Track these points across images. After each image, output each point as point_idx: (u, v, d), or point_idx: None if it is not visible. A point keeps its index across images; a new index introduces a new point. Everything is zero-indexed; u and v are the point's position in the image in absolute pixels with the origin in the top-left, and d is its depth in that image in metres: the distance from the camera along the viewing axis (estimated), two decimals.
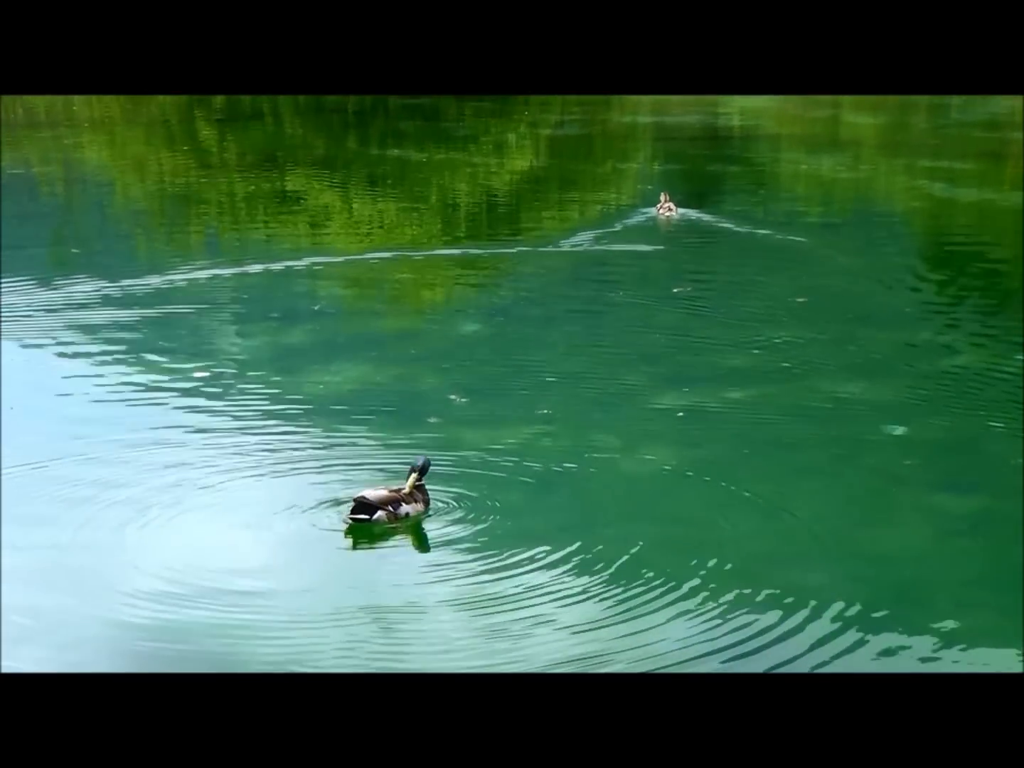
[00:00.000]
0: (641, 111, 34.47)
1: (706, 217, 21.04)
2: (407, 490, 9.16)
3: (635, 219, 20.93)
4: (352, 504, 9.10)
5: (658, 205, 20.51)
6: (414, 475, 9.21)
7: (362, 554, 9.03)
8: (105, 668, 7.30)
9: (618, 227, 20.26)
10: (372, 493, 9.09)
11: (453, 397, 12.00)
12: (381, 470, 10.09)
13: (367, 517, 9.03)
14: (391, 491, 9.16)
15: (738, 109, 36.36)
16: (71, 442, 10.87)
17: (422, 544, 9.16)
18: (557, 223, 20.87)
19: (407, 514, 9.16)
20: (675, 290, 16.24)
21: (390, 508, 9.08)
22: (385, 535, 9.16)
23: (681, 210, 20.58)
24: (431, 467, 9.43)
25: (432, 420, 11.40)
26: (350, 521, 9.10)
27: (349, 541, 9.11)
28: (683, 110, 35.02)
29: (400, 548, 9.15)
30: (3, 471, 10.03)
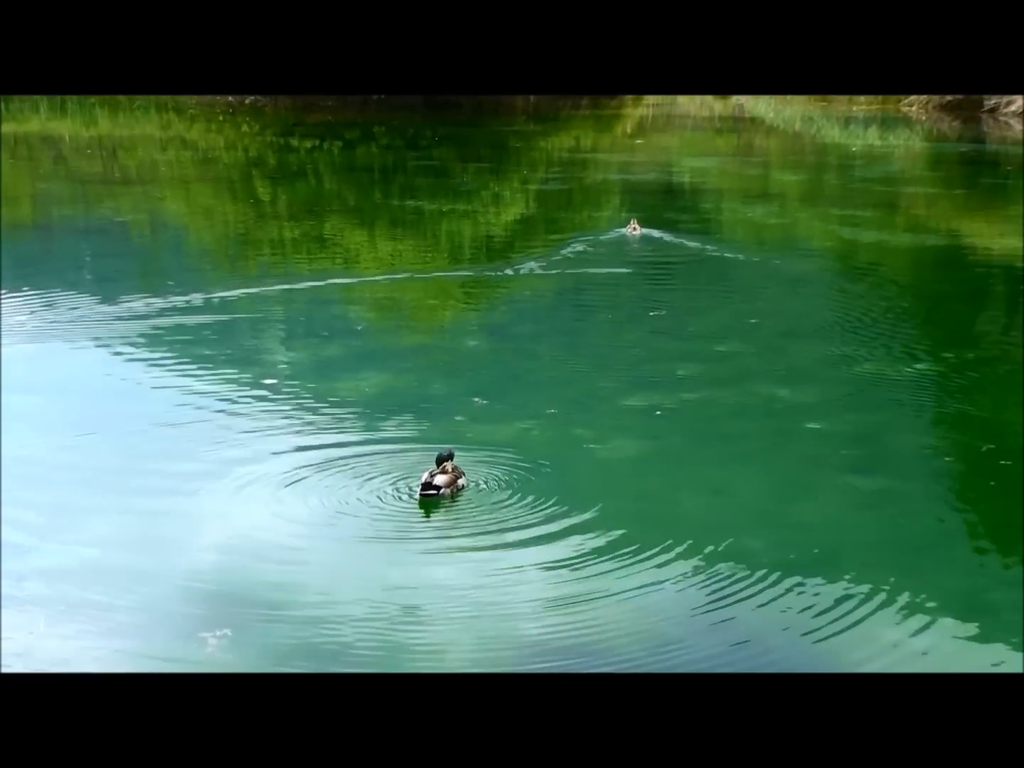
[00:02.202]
0: (611, 170, 34.48)
1: (658, 234, 21.66)
2: (451, 469, 9.40)
3: (608, 237, 21.49)
4: (421, 484, 9.27)
5: (627, 226, 21.77)
6: (446, 463, 9.37)
7: (377, 541, 8.76)
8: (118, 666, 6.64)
9: (593, 246, 20.67)
10: (437, 476, 9.28)
11: (476, 399, 11.96)
12: (420, 454, 10.08)
13: (435, 492, 9.22)
14: (446, 473, 9.32)
15: (688, 168, 36.55)
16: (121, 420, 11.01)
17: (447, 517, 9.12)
18: (543, 252, 20.88)
19: (462, 486, 9.42)
20: (651, 313, 16.24)
21: (453, 485, 9.34)
22: (438, 507, 9.16)
23: (644, 230, 21.58)
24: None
25: (458, 418, 11.35)
26: (421, 496, 9.24)
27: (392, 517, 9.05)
28: (644, 169, 35.19)
29: (418, 531, 9.08)
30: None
